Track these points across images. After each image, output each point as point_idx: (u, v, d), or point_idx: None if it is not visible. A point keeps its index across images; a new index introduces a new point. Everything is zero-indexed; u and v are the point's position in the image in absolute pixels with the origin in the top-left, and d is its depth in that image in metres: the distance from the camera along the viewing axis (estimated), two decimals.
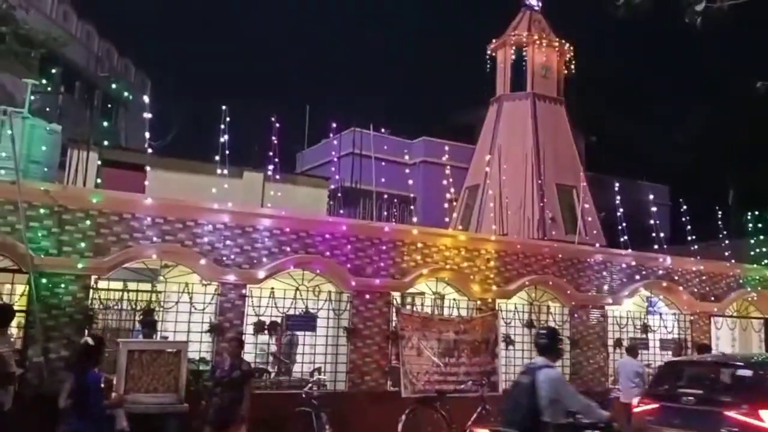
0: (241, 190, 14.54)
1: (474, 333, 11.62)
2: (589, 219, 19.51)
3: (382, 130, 16.50)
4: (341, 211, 14.54)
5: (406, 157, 20.03)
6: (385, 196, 16.93)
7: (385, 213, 16.21)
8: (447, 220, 15.58)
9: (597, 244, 16.57)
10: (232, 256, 10.32)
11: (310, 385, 10.00)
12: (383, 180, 14.07)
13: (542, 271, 13.01)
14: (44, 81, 13.11)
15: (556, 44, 22.33)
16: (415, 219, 14.73)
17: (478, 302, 12.25)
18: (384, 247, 11.56)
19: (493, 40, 22.65)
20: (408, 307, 11.94)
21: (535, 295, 13.02)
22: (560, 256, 13.39)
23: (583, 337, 13.28)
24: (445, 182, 15.20)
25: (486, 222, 18.36)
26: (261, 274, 10.38)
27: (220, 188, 12.04)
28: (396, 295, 11.62)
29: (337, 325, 11.17)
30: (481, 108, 22.80)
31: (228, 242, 10.32)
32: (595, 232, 19.36)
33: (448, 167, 15.82)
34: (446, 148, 18.84)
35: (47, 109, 12.27)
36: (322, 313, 11.04)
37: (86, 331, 9.06)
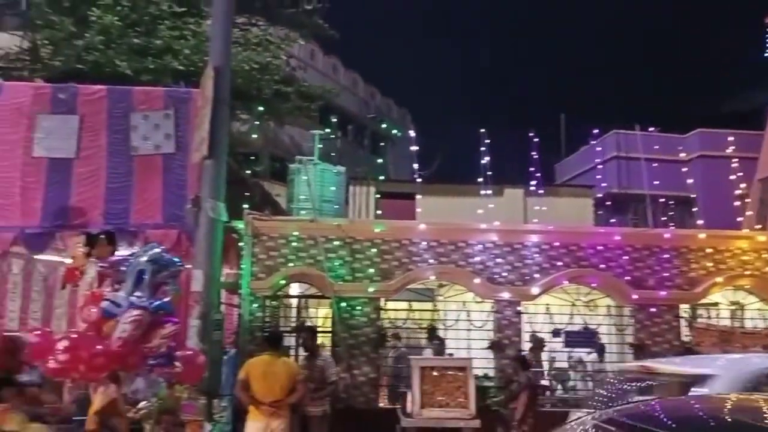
0: (503, 208, 14.74)
1: None
2: None
3: (651, 129, 15.20)
4: (612, 220, 13.81)
5: (681, 155, 18.21)
6: (661, 199, 15.59)
7: (663, 218, 14.90)
8: (739, 219, 13.77)
9: None
10: (504, 274, 10.47)
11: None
12: (656, 182, 12.99)
13: None
14: (326, 129, 14.96)
15: None
16: (700, 222, 13.32)
17: None
18: (666, 256, 10.66)
19: None
20: (701, 319, 10.76)
21: None
22: None
23: None
24: (732, 177, 13.47)
25: None
26: (534, 290, 10.33)
27: (484, 207, 12.35)
28: (684, 307, 10.59)
29: (621, 341, 10.56)
30: (765, 89, 19.74)
31: (498, 260, 10.50)
32: None
33: (735, 160, 13.99)
34: (729, 138, 16.68)
35: (332, 153, 13.98)
36: (602, 329, 10.58)
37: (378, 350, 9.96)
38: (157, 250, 5.84)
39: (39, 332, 6.05)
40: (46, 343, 5.46)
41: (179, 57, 13.59)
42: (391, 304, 10.48)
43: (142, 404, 6.52)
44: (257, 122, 16.23)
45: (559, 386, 10.99)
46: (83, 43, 13.18)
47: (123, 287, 5.98)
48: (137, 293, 5.81)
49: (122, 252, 7.51)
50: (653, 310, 10.44)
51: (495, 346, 10.17)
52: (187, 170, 9.29)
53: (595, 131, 16.09)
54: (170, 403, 6.75)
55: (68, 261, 9.74)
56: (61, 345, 5.11)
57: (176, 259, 6.02)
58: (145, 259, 5.67)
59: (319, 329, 10.04)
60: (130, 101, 9.60)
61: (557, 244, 10.61)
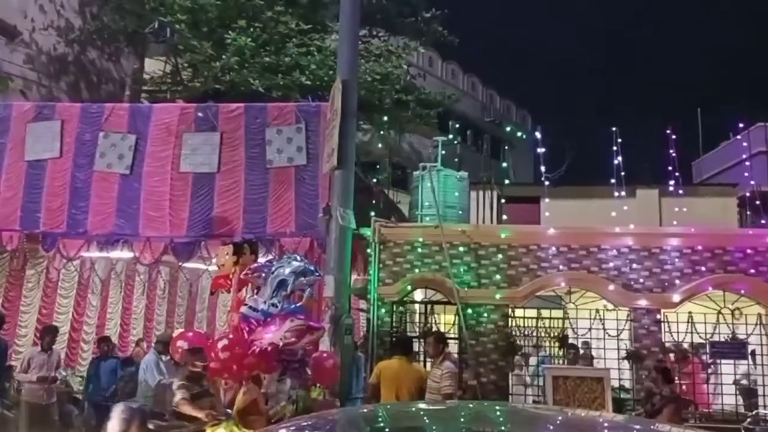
0: (635, 210, 13.98)
1: None
2: None
3: None
4: (763, 221, 12.64)
5: None
6: None
7: None
8: None
9: None
10: (641, 280, 9.90)
11: (749, 420, 8.82)
12: None
13: None
14: (450, 136, 14.99)
15: None
16: None
17: None
18: None
19: None
20: None
21: None
22: None
23: None
24: None
25: None
26: (675, 297, 9.68)
27: (615, 210, 11.77)
28: None
29: None
30: None
31: (635, 266, 9.95)
32: None
33: None
34: None
35: (456, 159, 13.98)
36: (753, 339, 9.72)
37: (514, 358, 9.78)
38: (299, 263, 6.15)
39: (192, 334, 6.55)
40: (199, 344, 5.89)
41: (306, 72, 14.22)
42: (518, 312, 10.25)
43: (278, 406, 6.85)
44: (381, 132, 16.59)
45: None
46: (220, 64, 14.15)
47: (261, 293, 6.36)
48: (273, 300, 6.15)
49: (261, 260, 7.98)
50: None
51: (632, 357, 9.65)
52: (318, 180, 9.70)
53: (740, 125, 14.80)
54: (308, 404, 7.05)
55: (212, 269, 10.50)
56: (221, 344, 5.49)
57: (313, 268, 6.31)
58: (288, 270, 5.99)
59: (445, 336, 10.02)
60: (265, 117, 10.18)
61: (700, 247, 9.89)
